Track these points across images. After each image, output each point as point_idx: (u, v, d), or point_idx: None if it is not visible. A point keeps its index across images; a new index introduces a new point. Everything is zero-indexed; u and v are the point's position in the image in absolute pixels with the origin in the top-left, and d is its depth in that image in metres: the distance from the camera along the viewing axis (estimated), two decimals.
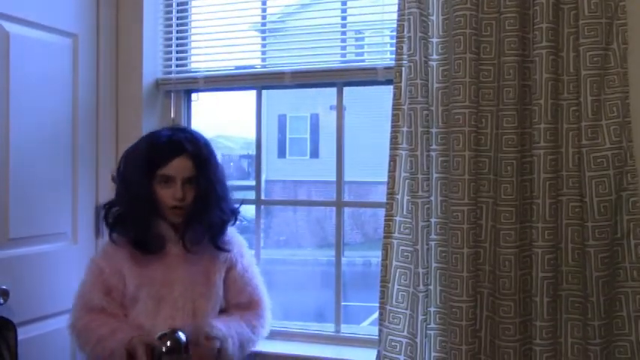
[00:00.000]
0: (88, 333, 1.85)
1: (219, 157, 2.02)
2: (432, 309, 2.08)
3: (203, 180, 1.88)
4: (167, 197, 1.86)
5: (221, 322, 1.88)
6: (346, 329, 2.51)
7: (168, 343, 1.73)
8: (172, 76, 2.66)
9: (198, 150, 1.89)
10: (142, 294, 1.88)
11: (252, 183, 2.71)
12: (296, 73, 2.47)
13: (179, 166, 1.86)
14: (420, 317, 2.04)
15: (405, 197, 2.08)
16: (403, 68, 2.07)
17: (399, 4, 2.08)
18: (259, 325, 1.99)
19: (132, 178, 1.89)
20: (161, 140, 1.90)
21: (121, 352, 1.75)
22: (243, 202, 2.06)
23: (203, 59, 2.68)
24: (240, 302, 1.99)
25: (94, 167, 2.52)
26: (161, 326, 1.83)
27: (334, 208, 2.54)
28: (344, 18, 2.50)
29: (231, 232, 2.03)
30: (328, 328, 2.52)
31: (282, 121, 14.19)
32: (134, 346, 1.73)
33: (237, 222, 2.03)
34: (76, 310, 1.93)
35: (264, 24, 2.65)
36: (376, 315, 2.13)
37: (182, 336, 1.75)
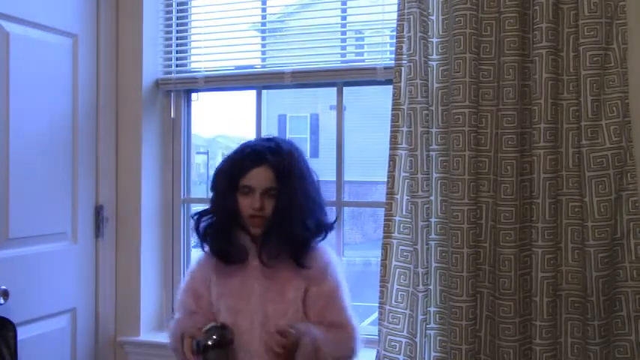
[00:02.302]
0: (173, 329, 1.89)
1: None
2: (432, 309, 2.08)
3: (284, 192, 1.80)
4: (246, 207, 1.81)
5: (302, 324, 1.79)
6: None
7: (214, 337, 1.72)
8: (172, 75, 2.66)
9: (280, 160, 1.81)
10: (221, 305, 1.86)
11: None
12: (296, 73, 2.47)
13: (259, 177, 1.80)
14: (420, 317, 2.04)
15: (405, 197, 2.08)
16: (403, 68, 2.07)
17: (398, 4, 2.08)
18: (347, 348, 1.83)
19: (218, 188, 1.87)
20: (245, 150, 1.86)
21: (178, 339, 1.80)
22: (337, 219, 1.93)
23: (203, 59, 2.68)
24: (323, 323, 1.83)
25: (94, 167, 2.52)
26: (239, 339, 1.79)
27: (334, 208, 2.54)
28: (344, 18, 2.50)
29: (321, 248, 1.90)
30: None
31: (282, 121, 14.18)
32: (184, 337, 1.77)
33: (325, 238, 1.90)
34: (177, 313, 1.97)
35: (264, 24, 2.65)
36: (375, 315, 2.13)
37: (229, 332, 1.76)
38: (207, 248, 1.89)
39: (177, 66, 2.68)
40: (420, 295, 2.04)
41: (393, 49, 2.14)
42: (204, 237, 1.88)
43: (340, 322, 1.84)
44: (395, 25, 2.10)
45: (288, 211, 1.79)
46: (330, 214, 1.92)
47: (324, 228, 1.86)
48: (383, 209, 2.11)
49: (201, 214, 1.90)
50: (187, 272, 1.98)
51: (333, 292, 1.86)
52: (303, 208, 1.82)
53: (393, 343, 2.08)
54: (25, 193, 2.20)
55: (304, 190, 1.83)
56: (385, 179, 2.10)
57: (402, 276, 2.09)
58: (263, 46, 2.67)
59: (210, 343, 1.72)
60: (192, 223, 1.93)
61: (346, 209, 2.60)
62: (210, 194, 1.92)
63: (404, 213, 2.08)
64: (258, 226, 1.82)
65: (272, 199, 1.80)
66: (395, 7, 2.12)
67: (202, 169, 8.51)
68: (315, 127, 14.08)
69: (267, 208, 1.80)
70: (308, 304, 1.84)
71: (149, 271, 2.62)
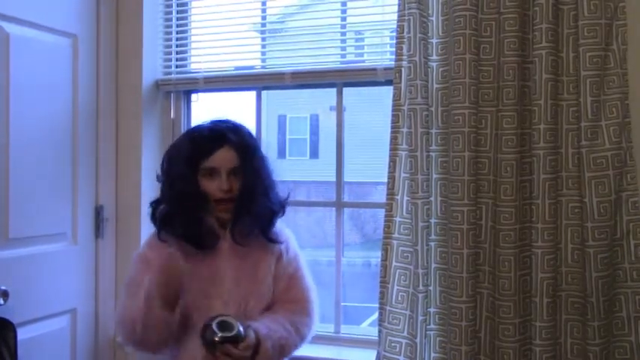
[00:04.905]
0: (128, 311, 1.74)
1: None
2: (432, 309, 2.08)
3: (249, 169, 1.80)
4: (213, 190, 1.79)
5: (262, 323, 1.77)
6: (346, 330, 2.52)
7: (227, 335, 1.65)
8: (172, 76, 2.66)
9: (241, 139, 1.82)
10: (193, 289, 1.80)
11: None
12: (296, 74, 2.47)
13: (223, 157, 1.79)
14: (420, 318, 2.04)
15: (405, 198, 2.08)
16: (403, 69, 2.07)
17: (398, 5, 2.09)
18: (304, 326, 1.85)
19: (176, 174, 1.82)
20: (203, 133, 1.84)
21: (151, 288, 1.65)
22: (290, 195, 1.94)
23: (203, 60, 2.68)
24: (285, 298, 1.87)
25: (94, 167, 2.52)
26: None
27: (334, 209, 2.55)
28: (344, 18, 2.51)
29: (279, 225, 1.93)
30: (328, 328, 2.52)
31: (281, 121, 14.19)
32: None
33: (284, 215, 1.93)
34: (122, 300, 1.84)
35: (264, 24, 2.65)
36: (376, 316, 2.13)
37: (241, 327, 1.68)
38: (164, 236, 1.81)
39: (177, 67, 2.68)
40: (420, 295, 2.04)
41: (393, 49, 2.14)
42: (163, 225, 1.83)
43: (300, 297, 1.89)
44: (395, 26, 2.10)
45: (255, 187, 1.81)
46: (283, 193, 1.93)
47: (282, 204, 1.90)
48: (383, 210, 2.11)
49: (158, 202, 1.86)
50: (137, 258, 1.85)
51: (294, 267, 1.92)
52: (267, 184, 1.85)
53: (393, 344, 2.08)
54: (25, 194, 2.20)
55: (265, 166, 1.86)
56: (385, 180, 2.09)
57: (402, 277, 2.09)
58: (263, 46, 2.67)
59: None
60: (148, 211, 1.87)
61: (346, 210, 2.60)
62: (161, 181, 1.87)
63: (404, 214, 2.08)
64: (226, 211, 1.81)
65: (237, 179, 1.81)
66: (395, 8, 2.12)
67: None
68: (315, 128, 14.09)
69: (234, 189, 1.80)
70: (273, 279, 1.88)
71: None
